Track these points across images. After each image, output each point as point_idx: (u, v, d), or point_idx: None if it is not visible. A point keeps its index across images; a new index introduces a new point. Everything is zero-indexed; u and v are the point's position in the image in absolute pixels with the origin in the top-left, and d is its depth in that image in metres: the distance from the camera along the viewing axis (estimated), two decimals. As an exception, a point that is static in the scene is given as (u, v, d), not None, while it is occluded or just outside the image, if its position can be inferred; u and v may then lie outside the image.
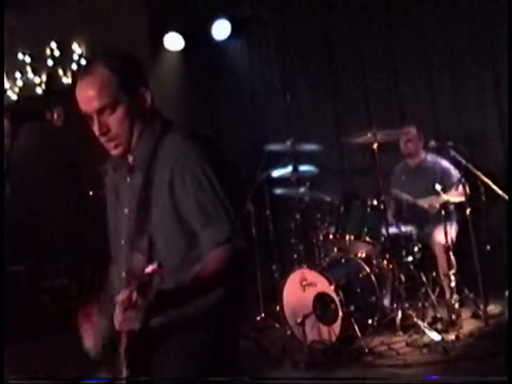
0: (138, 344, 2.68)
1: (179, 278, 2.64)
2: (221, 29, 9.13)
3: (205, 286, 2.71)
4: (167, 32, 9.27)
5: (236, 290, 2.91)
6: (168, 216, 2.77)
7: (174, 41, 9.33)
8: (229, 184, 2.80)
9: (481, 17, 7.71)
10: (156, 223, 2.76)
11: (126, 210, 2.89)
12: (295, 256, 7.26)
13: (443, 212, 6.64)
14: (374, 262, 6.82)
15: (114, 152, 2.86)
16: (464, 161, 6.68)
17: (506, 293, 6.46)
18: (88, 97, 2.75)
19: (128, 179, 2.90)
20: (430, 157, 7.50)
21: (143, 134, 2.84)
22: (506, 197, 6.45)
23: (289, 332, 6.57)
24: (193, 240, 2.78)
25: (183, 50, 9.47)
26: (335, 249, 6.98)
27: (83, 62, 9.79)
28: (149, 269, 2.44)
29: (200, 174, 2.73)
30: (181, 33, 9.32)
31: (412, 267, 6.84)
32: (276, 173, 7.49)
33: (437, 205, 6.83)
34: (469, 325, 6.42)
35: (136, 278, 2.49)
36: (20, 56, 9.96)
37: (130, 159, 2.89)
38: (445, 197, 6.63)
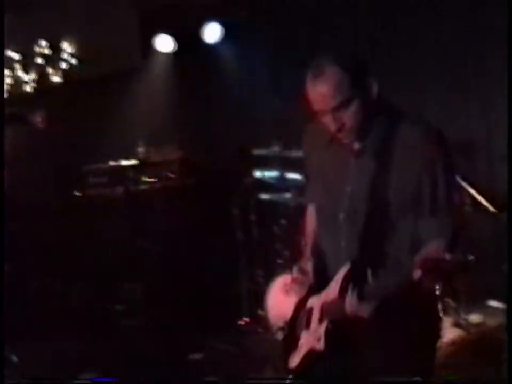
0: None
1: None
2: (213, 32, 9.12)
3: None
4: (158, 33, 9.27)
5: None
6: (409, 206, 2.97)
7: (165, 43, 9.32)
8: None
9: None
10: (396, 208, 2.98)
11: (348, 188, 3.10)
12: (280, 261, 7.29)
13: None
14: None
15: (346, 140, 3.09)
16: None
17: (492, 303, 6.50)
18: (323, 96, 2.95)
19: (350, 160, 3.12)
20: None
21: (373, 122, 3.05)
22: (491, 208, 6.48)
23: (272, 337, 6.58)
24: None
25: (174, 53, 9.46)
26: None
27: (73, 61, 9.79)
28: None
29: (442, 168, 2.96)
30: (172, 35, 9.31)
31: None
32: (263, 178, 7.50)
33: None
34: (450, 333, 6.43)
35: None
36: (9, 53, 9.93)
37: (356, 145, 3.10)
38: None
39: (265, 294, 6.62)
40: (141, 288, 7.94)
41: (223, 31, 9.11)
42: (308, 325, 3.33)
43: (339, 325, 3.07)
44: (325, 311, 3.15)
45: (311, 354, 3.25)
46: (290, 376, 3.45)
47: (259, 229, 7.65)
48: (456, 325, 6.64)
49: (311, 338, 3.26)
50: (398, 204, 2.97)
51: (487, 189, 6.60)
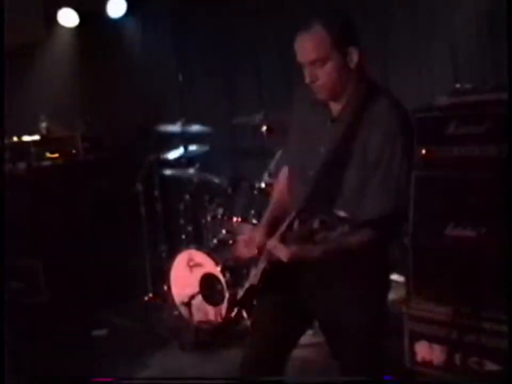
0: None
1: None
2: (116, 7, 9.01)
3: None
4: (61, 7, 9.12)
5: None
6: (361, 175, 3.20)
7: (68, 17, 9.18)
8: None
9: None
10: (348, 174, 3.22)
11: (322, 149, 3.35)
12: (183, 236, 7.29)
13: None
14: (262, 244, 6.89)
15: (319, 96, 3.32)
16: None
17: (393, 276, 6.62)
18: (303, 50, 3.22)
19: (328, 124, 3.37)
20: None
21: (350, 90, 3.28)
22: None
23: (176, 313, 6.61)
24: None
25: (77, 27, 9.32)
26: (223, 231, 7.04)
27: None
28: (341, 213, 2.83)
29: (401, 147, 3.15)
30: (75, 9, 9.16)
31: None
32: (166, 154, 7.50)
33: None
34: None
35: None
36: None
37: (334, 108, 3.35)
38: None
39: (168, 269, 6.70)
40: (41, 264, 7.81)
41: (127, 6, 9.01)
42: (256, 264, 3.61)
43: (276, 265, 3.34)
44: (267, 252, 3.39)
45: (251, 289, 3.56)
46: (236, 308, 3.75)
47: (163, 204, 7.63)
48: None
49: (253, 275, 3.57)
50: (358, 170, 3.21)
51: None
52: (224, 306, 6.28)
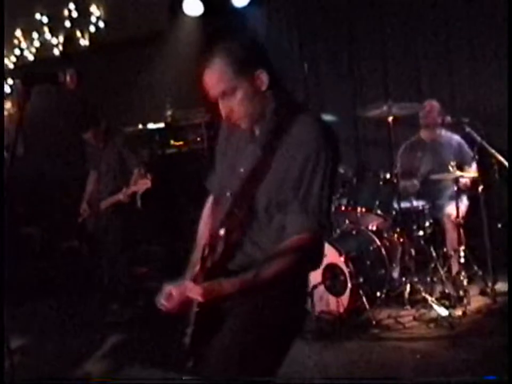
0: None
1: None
2: (240, -4, 9.08)
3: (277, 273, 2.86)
4: (186, -3, 9.22)
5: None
6: (280, 196, 2.97)
7: (193, 7, 9.27)
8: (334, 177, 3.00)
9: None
10: (267, 191, 2.99)
11: (241, 170, 3.12)
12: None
13: (455, 188, 6.64)
14: (385, 235, 6.84)
15: (243, 127, 3.11)
16: (479, 138, 6.66)
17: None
18: (210, 85, 3.03)
19: (247, 144, 3.16)
20: (445, 133, 7.46)
21: (266, 110, 3.07)
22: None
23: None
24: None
25: (201, 16, 9.40)
26: (347, 221, 6.99)
27: (101, 24, 9.79)
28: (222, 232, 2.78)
29: (322, 166, 2.92)
30: (200, -1, 9.27)
31: (422, 242, 6.87)
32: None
33: (450, 181, 6.82)
34: (476, 301, 6.44)
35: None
36: (38, 16, 9.94)
37: (256, 130, 3.13)
38: (458, 173, 6.60)
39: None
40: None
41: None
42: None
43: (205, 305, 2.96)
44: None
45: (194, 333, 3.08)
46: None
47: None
48: (483, 293, 6.64)
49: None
50: (275, 192, 2.98)
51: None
52: (346, 297, 6.25)
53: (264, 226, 3.02)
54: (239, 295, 2.88)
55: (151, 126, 8.58)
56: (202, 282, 2.91)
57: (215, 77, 3.01)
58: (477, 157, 6.71)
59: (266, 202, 2.99)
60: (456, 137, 7.34)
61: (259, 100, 3.05)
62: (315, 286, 6.25)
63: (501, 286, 6.65)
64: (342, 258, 6.26)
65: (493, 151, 6.62)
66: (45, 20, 10.00)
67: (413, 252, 6.71)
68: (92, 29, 9.85)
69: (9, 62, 10.16)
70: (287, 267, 2.86)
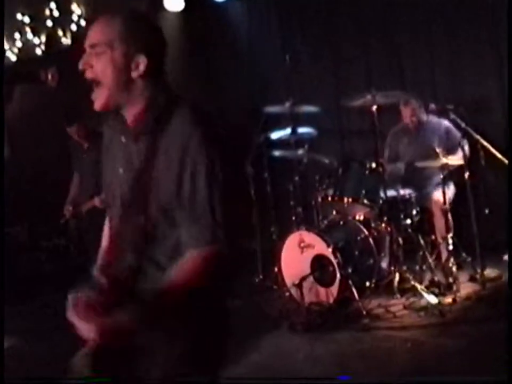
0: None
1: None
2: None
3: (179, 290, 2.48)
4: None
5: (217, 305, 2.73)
6: (164, 202, 2.56)
7: (173, 2, 9.24)
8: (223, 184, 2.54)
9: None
10: (156, 199, 2.56)
11: (121, 171, 2.74)
12: (294, 218, 7.26)
13: (442, 175, 6.64)
14: (372, 224, 6.82)
15: (93, 97, 2.68)
16: (463, 125, 6.66)
17: (505, 257, 6.48)
18: (91, 32, 2.67)
19: (123, 140, 2.73)
20: (432, 118, 7.44)
21: (144, 102, 2.66)
22: (506, 161, 6.44)
23: (287, 294, 6.59)
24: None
25: (182, 11, 9.37)
26: (334, 212, 6.98)
27: (82, 23, 9.73)
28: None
29: (206, 161, 2.51)
30: (181, -6, 9.23)
31: (410, 230, 6.86)
32: (275, 135, 7.48)
33: (436, 168, 6.81)
34: (465, 288, 6.45)
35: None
36: (19, 16, 9.87)
37: (128, 119, 2.71)
38: (444, 160, 6.60)
39: (279, 251, 6.69)
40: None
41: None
42: None
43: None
44: None
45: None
46: None
47: (272, 186, 7.63)
48: (472, 279, 6.64)
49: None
50: (162, 201, 2.58)
51: (501, 142, 6.54)
52: (335, 288, 6.25)
53: (160, 241, 2.61)
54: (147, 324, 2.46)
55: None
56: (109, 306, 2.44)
57: (102, 25, 2.66)
58: (462, 143, 6.71)
59: (156, 212, 2.58)
60: (444, 122, 7.30)
61: (125, 81, 2.62)
62: (304, 277, 6.25)
63: (490, 272, 6.64)
64: (330, 249, 6.25)
65: (478, 136, 6.62)
66: (26, 19, 9.93)
67: (400, 240, 6.68)
68: (74, 27, 9.79)
69: (-9, 63, 10.10)
70: (187, 288, 2.46)
